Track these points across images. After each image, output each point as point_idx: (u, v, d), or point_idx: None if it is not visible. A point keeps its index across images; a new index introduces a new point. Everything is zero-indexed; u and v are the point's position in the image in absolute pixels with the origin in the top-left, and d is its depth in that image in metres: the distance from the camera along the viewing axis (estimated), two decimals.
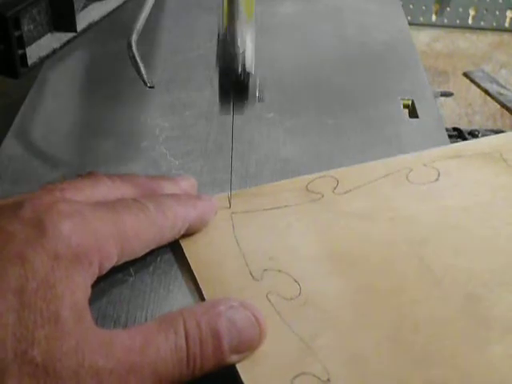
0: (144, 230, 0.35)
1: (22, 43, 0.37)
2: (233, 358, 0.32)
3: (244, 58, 0.37)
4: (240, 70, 0.37)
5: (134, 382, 0.30)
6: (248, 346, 0.33)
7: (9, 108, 0.53)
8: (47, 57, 0.40)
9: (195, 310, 0.33)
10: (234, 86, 0.37)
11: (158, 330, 0.31)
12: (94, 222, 0.33)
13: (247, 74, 0.37)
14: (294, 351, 0.33)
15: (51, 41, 0.40)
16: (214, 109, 0.52)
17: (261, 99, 0.38)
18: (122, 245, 0.34)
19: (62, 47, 0.41)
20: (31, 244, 0.30)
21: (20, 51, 0.37)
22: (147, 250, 0.37)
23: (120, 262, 0.35)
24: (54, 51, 0.41)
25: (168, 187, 0.40)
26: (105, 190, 0.37)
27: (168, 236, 0.37)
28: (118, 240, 0.34)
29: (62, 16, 0.37)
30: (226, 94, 0.38)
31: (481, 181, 0.44)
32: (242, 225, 0.41)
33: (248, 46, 0.38)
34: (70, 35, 0.42)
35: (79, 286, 0.31)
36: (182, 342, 0.31)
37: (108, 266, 0.34)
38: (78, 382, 0.28)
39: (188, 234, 0.39)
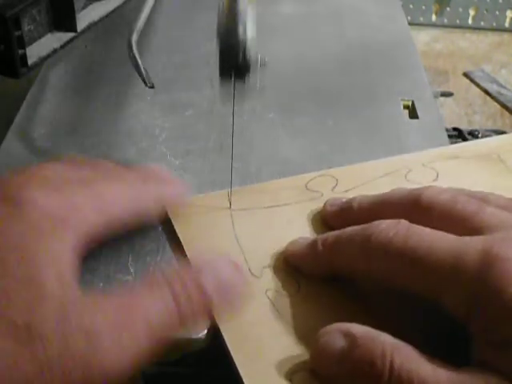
0: (121, 194, 0.36)
1: (23, 43, 0.37)
2: (220, 307, 0.33)
3: (245, 33, 0.37)
4: (241, 47, 0.37)
5: (127, 339, 0.29)
6: (234, 298, 0.33)
7: (9, 108, 0.53)
8: (47, 57, 0.40)
9: (178, 268, 0.34)
10: (235, 63, 0.37)
11: (143, 289, 0.31)
12: (68, 190, 0.33)
13: (248, 52, 0.37)
14: (293, 347, 0.33)
15: (51, 41, 0.40)
16: (214, 109, 0.52)
17: (263, 66, 0.38)
18: (99, 208, 0.34)
19: (62, 47, 0.41)
20: (7, 217, 0.30)
21: (20, 51, 0.37)
22: (129, 218, 0.37)
23: (108, 230, 0.35)
24: (55, 51, 0.41)
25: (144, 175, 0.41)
26: (77, 169, 0.37)
27: (147, 202, 0.38)
28: (95, 204, 0.34)
29: (62, 16, 0.37)
30: (226, 71, 0.37)
31: (479, 182, 0.44)
32: (242, 222, 0.41)
33: (249, 21, 0.37)
34: (71, 35, 0.41)
35: (60, 251, 0.31)
36: (169, 298, 0.31)
37: (91, 231, 0.34)
38: (66, 344, 0.28)
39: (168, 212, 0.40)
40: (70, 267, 0.31)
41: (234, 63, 0.37)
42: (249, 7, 0.38)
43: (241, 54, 0.37)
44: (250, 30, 0.37)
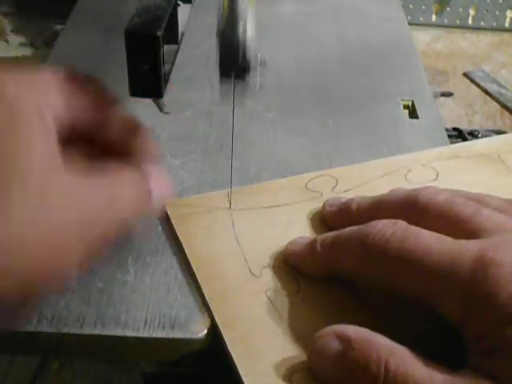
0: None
1: (163, 61, 0.36)
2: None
3: (245, 39, 0.37)
4: (241, 51, 0.37)
5: (97, 234, 0.30)
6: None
7: None
8: (170, 71, 0.39)
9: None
10: (235, 63, 0.37)
11: (122, 180, 0.33)
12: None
13: (248, 57, 0.37)
14: (293, 347, 0.33)
15: (167, 55, 0.39)
16: (214, 109, 0.52)
17: (262, 68, 0.38)
18: (66, 94, 0.33)
19: (173, 62, 0.40)
20: None
21: (163, 69, 0.37)
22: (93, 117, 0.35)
23: (75, 120, 0.34)
24: (172, 65, 0.40)
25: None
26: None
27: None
28: (61, 90, 0.33)
29: (167, 29, 0.37)
30: (226, 71, 0.37)
31: (479, 181, 0.44)
32: (242, 222, 0.41)
33: (249, 27, 0.37)
34: (175, 47, 0.41)
35: (40, 133, 0.30)
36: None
37: (63, 115, 0.33)
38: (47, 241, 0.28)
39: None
40: (50, 143, 0.31)
41: (234, 63, 0.37)
42: (248, 7, 0.38)
43: (241, 54, 0.37)
44: (249, 29, 0.37)
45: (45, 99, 0.32)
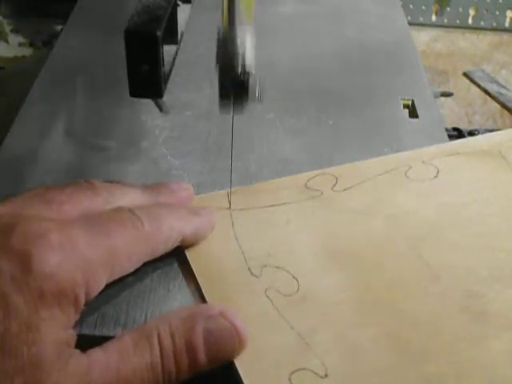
0: (136, 248, 0.34)
1: (163, 61, 0.36)
2: (211, 366, 0.32)
3: (244, 57, 0.37)
4: (240, 69, 0.37)
5: None
6: (226, 356, 0.33)
7: (9, 108, 0.53)
8: (170, 72, 0.39)
9: (172, 321, 0.33)
10: (234, 86, 0.37)
11: (134, 347, 0.31)
12: (84, 252, 0.31)
13: (247, 74, 0.37)
14: (292, 347, 0.33)
15: (167, 55, 0.39)
16: (214, 109, 0.52)
17: (260, 99, 0.38)
18: (111, 269, 0.33)
19: (174, 62, 0.40)
20: (16, 282, 0.29)
21: (163, 69, 0.36)
22: (138, 266, 0.36)
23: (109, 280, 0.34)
24: (173, 63, 0.40)
25: (165, 198, 0.40)
26: (102, 202, 0.36)
27: (160, 251, 0.37)
28: (108, 266, 0.33)
29: (167, 29, 0.36)
30: (226, 94, 0.38)
31: (480, 178, 0.44)
32: (241, 222, 0.41)
33: (248, 46, 0.38)
34: (174, 47, 0.41)
35: (63, 323, 0.30)
36: (157, 359, 0.31)
37: (96, 292, 0.33)
38: None
39: (182, 246, 0.39)
40: (68, 332, 0.31)
41: (233, 89, 0.37)
42: (247, 30, 0.38)
43: (240, 75, 0.37)
44: (248, 55, 0.37)
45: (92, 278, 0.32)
